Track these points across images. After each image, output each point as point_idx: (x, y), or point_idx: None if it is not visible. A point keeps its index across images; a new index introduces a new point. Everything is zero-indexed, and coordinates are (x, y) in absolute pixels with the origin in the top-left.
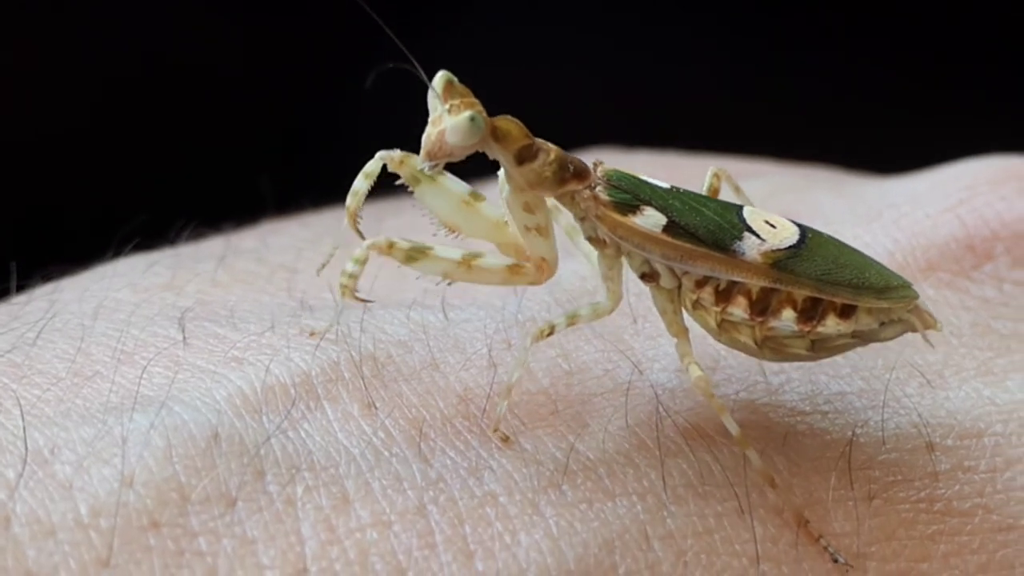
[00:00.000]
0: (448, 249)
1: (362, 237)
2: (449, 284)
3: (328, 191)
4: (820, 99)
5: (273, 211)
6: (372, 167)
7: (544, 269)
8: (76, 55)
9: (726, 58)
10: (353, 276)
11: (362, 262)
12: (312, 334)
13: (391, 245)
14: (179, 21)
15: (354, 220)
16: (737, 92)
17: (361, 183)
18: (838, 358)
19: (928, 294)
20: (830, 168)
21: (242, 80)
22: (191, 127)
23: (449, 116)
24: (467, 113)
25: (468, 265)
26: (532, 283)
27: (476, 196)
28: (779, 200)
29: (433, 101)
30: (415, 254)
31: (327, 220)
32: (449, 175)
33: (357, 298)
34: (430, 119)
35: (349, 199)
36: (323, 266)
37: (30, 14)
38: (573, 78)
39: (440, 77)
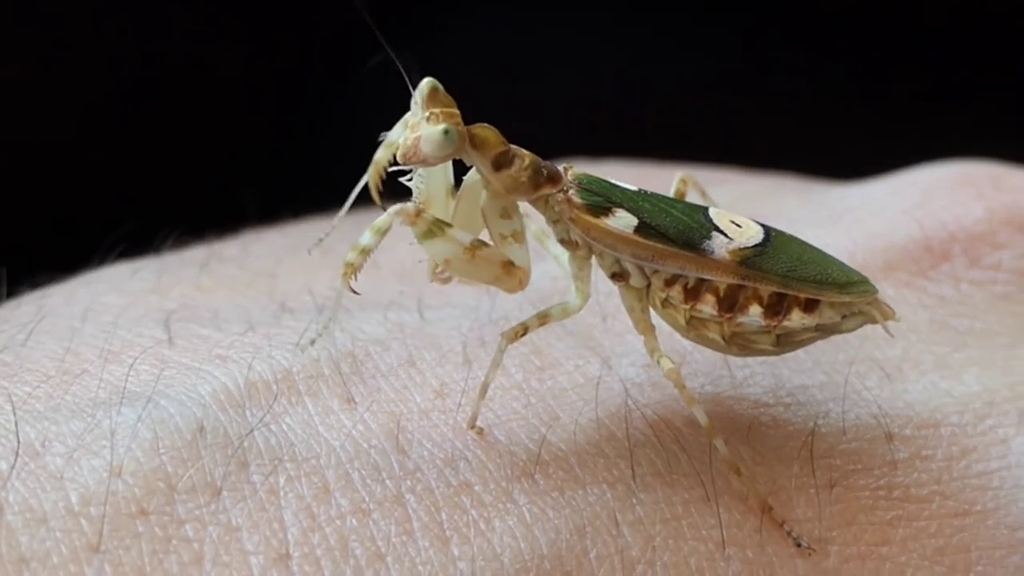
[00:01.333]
0: (461, 233)
1: (354, 292)
2: (442, 277)
3: (309, 202)
4: (786, 108)
5: (255, 221)
6: (384, 223)
7: (523, 278)
8: (60, 68)
9: (697, 70)
10: (365, 252)
11: (382, 233)
12: (312, 342)
13: (419, 213)
14: (162, 32)
15: (350, 277)
16: (707, 102)
17: (370, 239)
18: (800, 353)
19: (888, 293)
20: (796, 175)
21: (227, 94)
22: (175, 139)
23: (427, 125)
24: (441, 126)
25: (473, 253)
26: (512, 289)
27: (481, 243)
28: (744, 206)
29: (415, 105)
30: (435, 229)
31: (307, 229)
32: (456, 229)
33: (353, 288)
34: (409, 122)
35: (354, 256)
36: (318, 243)
37: (11, 25)
38: (546, 86)
39: (426, 83)
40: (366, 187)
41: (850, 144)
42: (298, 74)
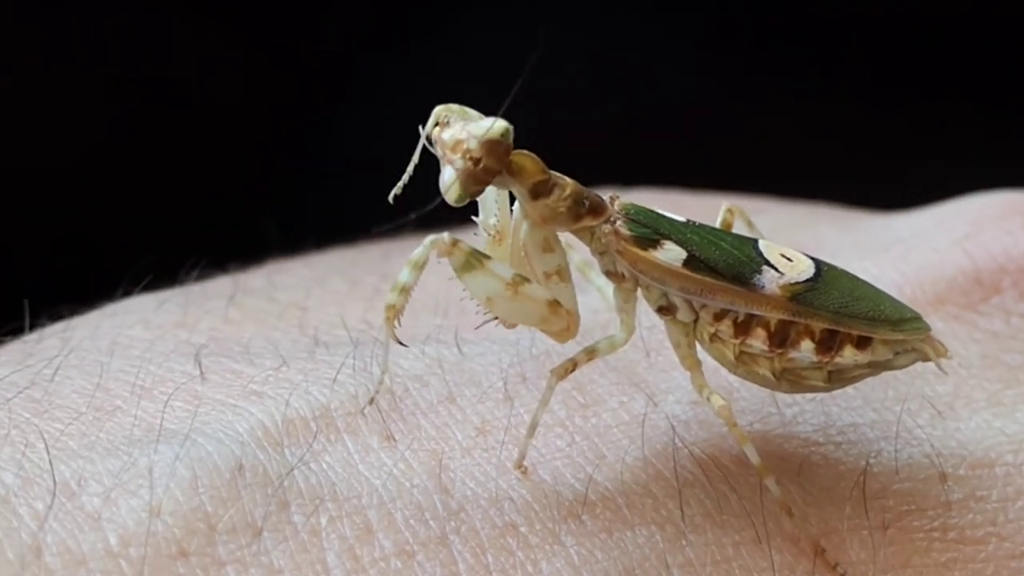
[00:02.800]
0: (502, 267)
1: (400, 343)
2: (487, 318)
3: (331, 232)
4: (822, 136)
5: (277, 252)
6: (420, 256)
7: (572, 324)
8: (70, 93)
9: (725, 95)
10: (406, 291)
11: (420, 267)
12: (371, 401)
13: (455, 243)
14: (182, 59)
15: (394, 321)
16: (737, 129)
17: (409, 276)
18: (849, 390)
19: (937, 327)
20: (832, 205)
21: (245, 126)
22: (193, 169)
23: (473, 122)
24: (502, 121)
25: (515, 289)
26: (560, 334)
27: (524, 278)
28: (784, 236)
29: (440, 141)
30: (474, 261)
31: (332, 260)
32: (497, 262)
33: (398, 337)
34: (442, 156)
35: (395, 296)
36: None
37: (36, 44)
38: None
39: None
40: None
41: (876, 172)
42: (310, 98)
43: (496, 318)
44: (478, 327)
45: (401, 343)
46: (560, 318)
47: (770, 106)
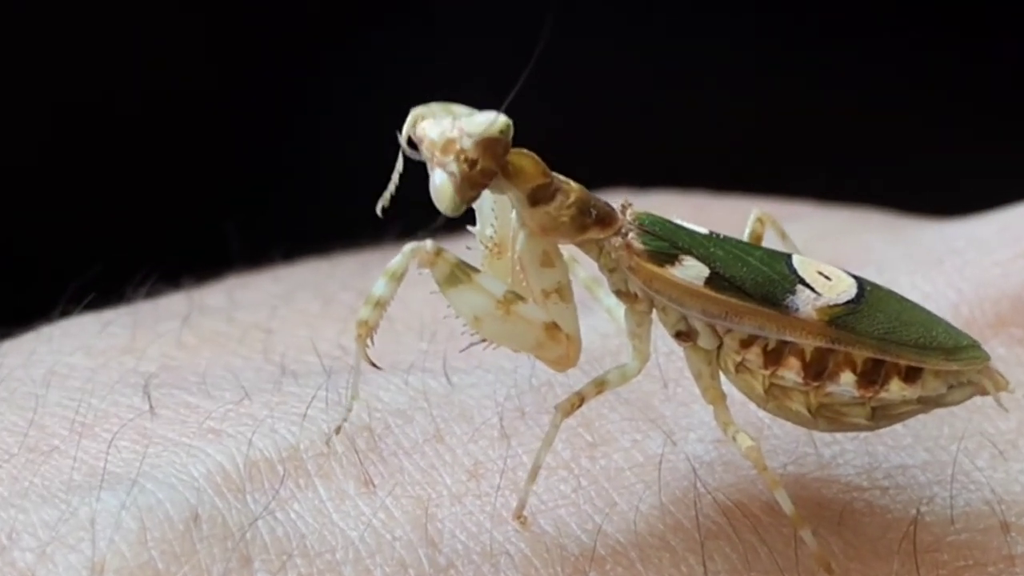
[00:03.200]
0: (493, 282)
1: (373, 365)
2: (474, 339)
3: (301, 241)
4: (866, 134)
5: (239, 265)
6: (398, 266)
7: (571, 351)
8: (24, 90)
9: (757, 86)
10: (381, 304)
11: (397, 279)
12: (337, 430)
13: (439, 253)
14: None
15: (367, 339)
16: (770, 125)
17: (384, 288)
18: (898, 427)
19: (998, 353)
20: (879, 211)
21: (201, 119)
22: (141, 170)
23: (465, 117)
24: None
25: (507, 308)
26: (558, 361)
27: (517, 296)
28: (824, 245)
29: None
30: (460, 274)
31: (301, 274)
32: (487, 275)
33: (370, 358)
34: (430, 158)
35: (368, 311)
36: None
37: None
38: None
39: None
40: (392, 193)
41: (928, 174)
42: (279, 92)
43: (484, 340)
44: (463, 349)
45: (375, 365)
46: (558, 344)
47: (808, 100)
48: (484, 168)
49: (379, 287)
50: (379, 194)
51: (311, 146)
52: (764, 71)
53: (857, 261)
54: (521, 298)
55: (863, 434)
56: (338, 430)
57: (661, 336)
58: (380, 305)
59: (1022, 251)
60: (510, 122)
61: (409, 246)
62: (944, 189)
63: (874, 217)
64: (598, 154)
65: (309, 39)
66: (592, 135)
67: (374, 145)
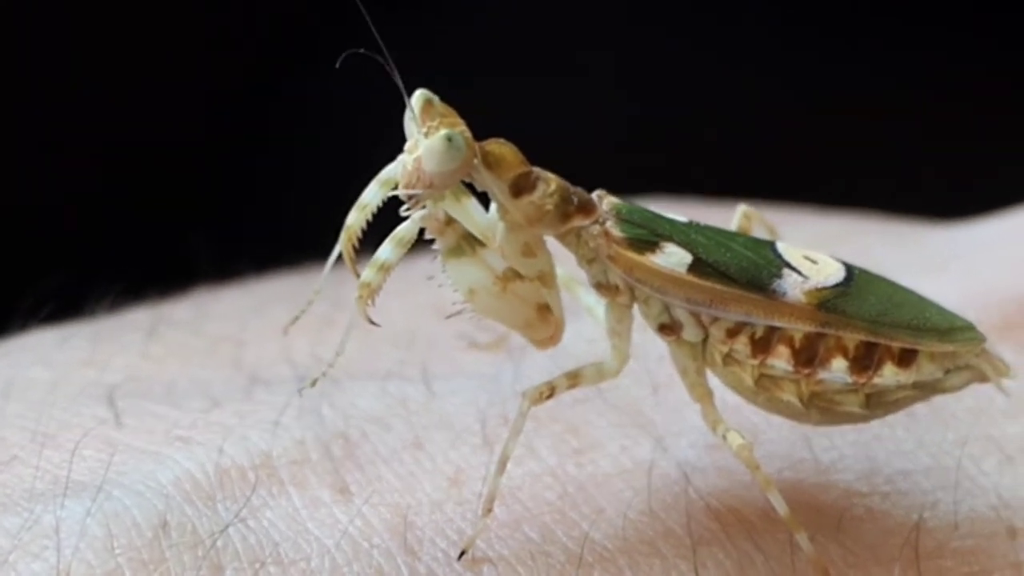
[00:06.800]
0: (495, 258)
1: (372, 322)
2: (460, 308)
3: (272, 254)
4: (867, 140)
5: (207, 278)
6: (407, 232)
7: (557, 333)
8: None
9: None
10: (385, 268)
11: (404, 245)
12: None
13: (449, 223)
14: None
15: (367, 300)
16: (768, 131)
17: (390, 253)
18: (900, 431)
19: (1007, 357)
20: (881, 216)
21: (167, 124)
22: (104, 176)
23: (425, 139)
24: (442, 133)
25: (504, 285)
26: (544, 342)
27: (517, 274)
28: (824, 251)
29: (410, 125)
30: (466, 247)
31: (273, 286)
32: (490, 251)
33: (370, 317)
34: (406, 146)
35: (372, 273)
36: (294, 320)
37: None
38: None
39: (418, 96)
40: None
41: (933, 179)
42: (246, 103)
43: (474, 312)
44: (449, 316)
45: (373, 322)
46: (547, 325)
47: (806, 105)
48: (456, 179)
49: (385, 251)
50: (351, 204)
51: (282, 158)
52: (760, 77)
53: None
54: (520, 276)
55: (862, 438)
56: (314, 383)
57: (652, 341)
58: (384, 269)
59: None
60: (460, 133)
61: (419, 213)
62: (946, 194)
63: (875, 223)
64: (591, 159)
65: (275, 50)
66: (585, 141)
67: (345, 157)
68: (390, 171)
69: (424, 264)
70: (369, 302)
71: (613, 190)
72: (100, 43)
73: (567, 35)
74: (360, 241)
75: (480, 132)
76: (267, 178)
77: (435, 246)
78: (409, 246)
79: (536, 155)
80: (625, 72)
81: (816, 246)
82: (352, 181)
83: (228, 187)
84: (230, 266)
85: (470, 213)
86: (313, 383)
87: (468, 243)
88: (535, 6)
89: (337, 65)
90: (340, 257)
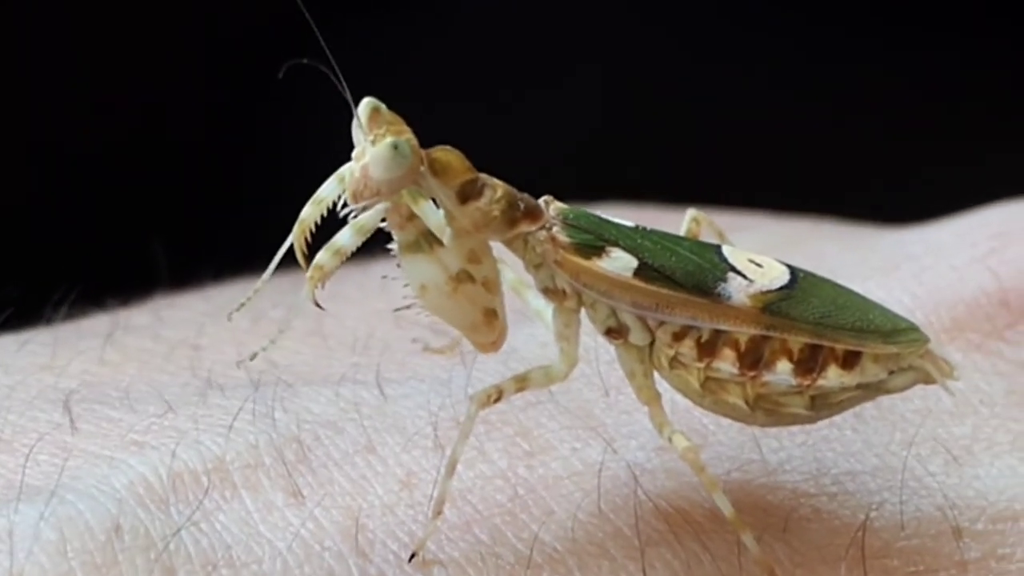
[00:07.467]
0: (452, 257)
1: (318, 306)
2: (409, 303)
3: (233, 261)
4: (824, 144)
5: (166, 284)
6: (368, 221)
7: (500, 338)
8: None
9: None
10: (341, 253)
11: (364, 233)
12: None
13: (411, 218)
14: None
15: (319, 281)
16: (728, 136)
17: (348, 239)
18: (848, 432)
19: (955, 359)
20: (834, 220)
21: (131, 130)
22: (62, 182)
23: (372, 147)
24: (388, 140)
25: (456, 286)
26: (486, 346)
27: (469, 276)
28: (776, 254)
29: (357, 133)
30: (424, 243)
31: (232, 293)
32: (448, 251)
33: (317, 301)
34: (354, 154)
35: (326, 256)
36: (240, 307)
37: None
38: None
39: (365, 104)
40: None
41: (887, 183)
42: (207, 110)
43: (423, 308)
44: (397, 309)
45: (319, 306)
46: (492, 330)
47: (766, 112)
48: (403, 186)
49: (343, 236)
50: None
51: (248, 159)
52: (725, 84)
53: (810, 269)
54: (472, 279)
55: (811, 439)
56: (253, 356)
57: (604, 345)
58: (339, 254)
59: (979, 256)
60: (406, 140)
61: (382, 204)
62: (902, 199)
63: (827, 226)
64: (555, 167)
65: (239, 57)
66: (548, 148)
67: (305, 163)
68: (367, 218)
69: (380, 268)
70: (319, 284)
71: (578, 199)
72: (63, 51)
73: (548, 45)
74: (313, 236)
75: (465, 143)
76: (228, 186)
77: (393, 240)
78: (368, 235)
79: (504, 164)
80: (592, 82)
81: (771, 250)
82: (311, 189)
83: (189, 195)
84: (190, 274)
85: (427, 214)
86: (252, 357)
87: (427, 240)
88: (510, 16)
89: (280, 75)
90: (291, 250)
